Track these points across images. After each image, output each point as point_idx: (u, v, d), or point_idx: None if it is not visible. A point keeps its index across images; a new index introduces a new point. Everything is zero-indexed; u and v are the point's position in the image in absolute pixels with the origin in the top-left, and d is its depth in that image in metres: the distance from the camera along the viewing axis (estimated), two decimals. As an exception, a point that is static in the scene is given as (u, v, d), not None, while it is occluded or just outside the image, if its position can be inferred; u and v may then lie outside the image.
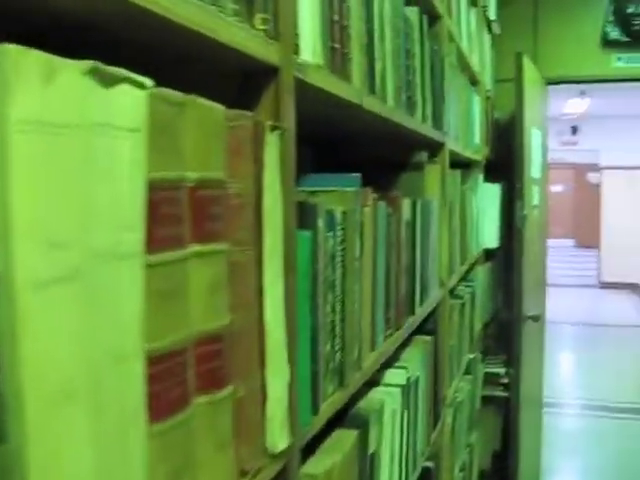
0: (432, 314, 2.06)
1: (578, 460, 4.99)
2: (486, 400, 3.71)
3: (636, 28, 4.40)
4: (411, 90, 1.65)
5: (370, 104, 1.23)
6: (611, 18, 4.47)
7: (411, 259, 1.65)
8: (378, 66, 1.35)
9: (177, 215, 0.61)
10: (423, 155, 1.82)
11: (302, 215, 0.90)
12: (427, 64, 1.86)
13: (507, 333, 3.83)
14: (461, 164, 3.09)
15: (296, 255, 0.85)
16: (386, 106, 1.40)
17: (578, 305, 11.40)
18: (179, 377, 0.61)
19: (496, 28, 4.27)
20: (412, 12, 1.75)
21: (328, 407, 1.04)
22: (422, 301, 1.80)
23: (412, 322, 1.67)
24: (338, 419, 1.19)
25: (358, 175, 1.17)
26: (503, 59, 4.39)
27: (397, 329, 1.51)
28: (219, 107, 0.68)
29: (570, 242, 20.15)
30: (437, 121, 2.00)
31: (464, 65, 2.90)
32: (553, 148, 12.59)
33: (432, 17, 2.12)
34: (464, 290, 2.84)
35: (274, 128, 0.79)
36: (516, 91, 3.52)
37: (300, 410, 0.90)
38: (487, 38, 4.02)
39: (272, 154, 0.78)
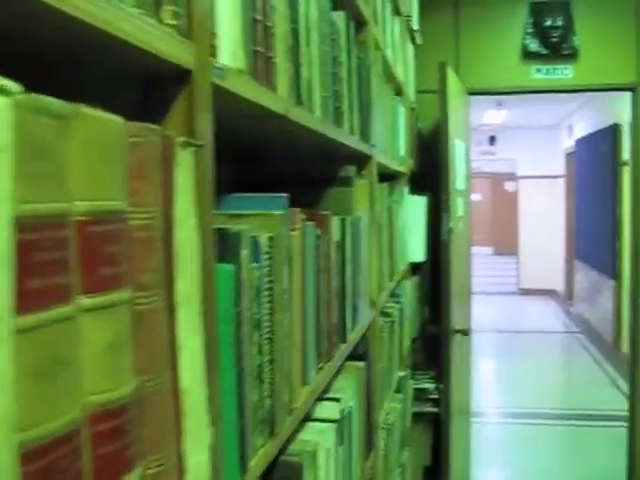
0: (364, 336, 1.95)
1: (506, 469, 4.98)
2: (416, 416, 3.63)
3: (554, 40, 4.43)
4: (339, 100, 1.53)
5: (296, 115, 1.11)
6: (530, 30, 4.49)
7: (342, 282, 1.53)
8: (304, 73, 1.23)
9: (60, 260, 0.46)
10: (351, 169, 1.70)
11: (222, 245, 0.76)
12: (354, 73, 1.76)
13: (435, 347, 3.77)
14: (387, 176, 3.01)
15: (216, 295, 0.71)
16: (313, 117, 1.28)
17: (498, 313, 11.55)
18: (67, 473, 0.47)
19: (419, 38, 4.22)
20: (339, 17, 1.64)
21: (258, 462, 0.90)
22: (354, 326, 1.69)
23: (344, 350, 1.55)
24: (268, 468, 1.06)
25: (285, 195, 1.04)
26: (426, 70, 4.34)
27: (329, 360, 1.39)
28: (116, 119, 0.54)
29: (489, 250, 20.55)
30: (365, 133, 1.89)
31: (389, 75, 2.82)
32: (472, 158, 12.82)
33: (359, 23, 2.02)
34: (393, 307, 2.74)
35: (187, 144, 0.65)
36: (440, 102, 3.47)
37: (226, 473, 0.77)
38: (410, 48, 3.97)
39: (185, 176, 0.64)
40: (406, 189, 3.33)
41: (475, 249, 17.83)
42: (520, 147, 12.68)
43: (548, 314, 11.26)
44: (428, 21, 4.50)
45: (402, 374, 3.05)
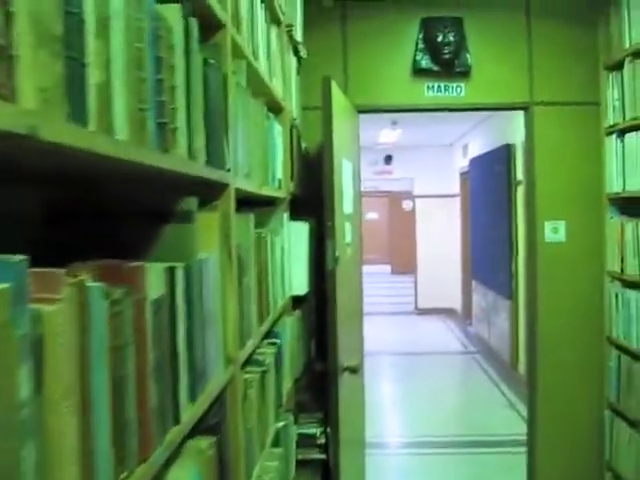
0: (217, 401, 1.60)
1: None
2: (302, 463, 3.30)
3: (446, 57, 4.23)
4: (166, 115, 1.19)
5: (61, 134, 0.76)
6: (422, 46, 4.28)
7: (170, 349, 1.18)
8: (91, 73, 0.88)
9: None
10: (191, 202, 1.36)
11: None
12: (197, 81, 1.42)
13: (323, 384, 3.46)
14: (261, 202, 2.68)
15: None
16: (111, 140, 0.93)
17: (396, 334, 11.41)
18: None
19: (303, 51, 3.93)
20: (171, 10, 1.30)
21: None
22: (194, 397, 1.34)
23: (176, 435, 1.20)
24: None
25: (21, 259, 0.68)
26: (311, 86, 4.05)
27: (144, 460, 1.03)
28: None
29: (387, 268, 20.55)
30: (216, 157, 1.55)
31: (262, 89, 2.50)
32: (368, 178, 12.77)
33: (210, 25, 1.69)
34: (267, 352, 2.40)
35: None
36: (324, 119, 3.17)
37: None
38: (293, 61, 3.66)
39: None
40: (286, 215, 3.01)
41: (373, 268, 17.92)
42: (416, 166, 12.65)
43: (446, 334, 11.19)
44: (314, 34, 4.22)
45: (281, 424, 2.71)
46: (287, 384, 2.96)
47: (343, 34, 4.38)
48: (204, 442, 1.41)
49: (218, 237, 1.56)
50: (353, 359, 3.40)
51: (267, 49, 2.62)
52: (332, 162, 3.08)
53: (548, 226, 4.35)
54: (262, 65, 2.48)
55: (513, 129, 7.63)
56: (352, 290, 3.63)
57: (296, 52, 3.74)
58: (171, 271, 1.18)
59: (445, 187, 12.35)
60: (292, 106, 3.49)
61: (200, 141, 1.41)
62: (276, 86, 2.86)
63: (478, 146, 9.87)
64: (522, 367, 7.60)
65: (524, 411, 6.68)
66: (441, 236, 12.54)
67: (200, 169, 1.38)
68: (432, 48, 4.23)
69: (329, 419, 3.23)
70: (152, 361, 1.07)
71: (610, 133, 4.13)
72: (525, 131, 4.46)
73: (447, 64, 4.24)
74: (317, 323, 3.66)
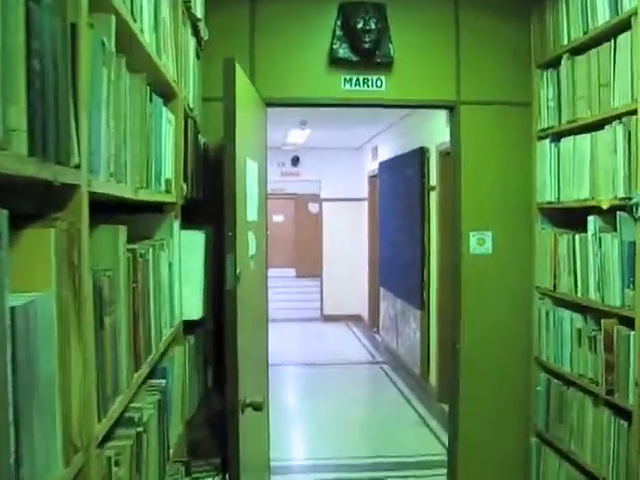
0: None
1: None
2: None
3: (366, 46, 3.76)
4: None
5: None
6: (339, 33, 3.80)
7: None
8: None
9: None
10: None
11: None
12: (12, 19, 0.88)
13: (221, 421, 2.92)
14: (146, 208, 2.14)
15: None
16: None
17: (301, 342, 10.94)
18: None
19: (205, 32, 3.40)
20: None
21: None
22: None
23: None
24: None
25: None
26: (214, 73, 3.48)
27: None
28: None
29: (291, 271, 20.08)
30: (52, 146, 1.01)
31: (144, 63, 1.95)
32: (275, 179, 12.28)
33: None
34: (145, 405, 1.86)
35: None
36: (225, 108, 2.64)
37: None
38: (191, 41, 3.12)
39: None
40: (176, 224, 2.47)
41: (277, 271, 17.38)
42: (324, 168, 12.23)
43: (353, 342, 10.79)
44: (218, 12, 3.68)
45: (167, 483, 2.18)
46: (176, 430, 2.42)
47: (251, 15, 3.86)
48: None
49: (56, 266, 1.02)
50: (257, 393, 2.89)
51: (154, 14, 2.07)
52: (234, 161, 2.56)
53: (473, 237, 3.96)
54: (146, 33, 1.94)
55: (427, 132, 7.30)
56: (256, 311, 3.12)
57: (195, 32, 3.20)
58: None
59: (353, 190, 11.99)
60: (189, 94, 2.96)
61: (15, 118, 0.87)
62: (167, 65, 2.32)
63: (389, 149, 9.52)
64: (433, 380, 7.29)
65: (437, 428, 6.37)
66: (348, 240, 12.17)
67: (12, 163, 0.84)
68: (351, 36, 3.75)
69: (228, 466, 2.71)
70: None
71: (543, 137, 3.76)
72: (450, 132, 4.05)
73: (367, 54, 3.78)
74: (215, 348, 3.12)
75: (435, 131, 6.85)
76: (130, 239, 1.63)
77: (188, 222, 2.80)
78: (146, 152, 1.83)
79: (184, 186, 2.58)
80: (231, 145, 2.55)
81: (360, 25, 3.73)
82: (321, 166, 12.27)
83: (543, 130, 3.76)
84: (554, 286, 3.63)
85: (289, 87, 3.91)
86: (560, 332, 3.57)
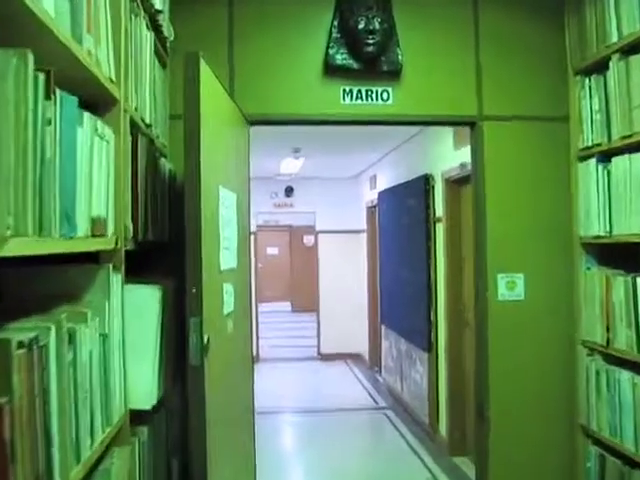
0: None
1: None
2: None
3: (369, 50, 3.10)
4: None
5: None
6: (337, 35, 3.15)
7: None
8: None
9: None
10: None
11: None
12: None
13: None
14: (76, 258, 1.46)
15: None
16: None
17: (297, 386, 10.20)
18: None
19: (169, 31, 2.74)
20: None
21: None
22: None
23: None
24: None
25: None
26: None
27: None
28: None
29: (287, 305, 19.41)
30: None
31: (46, 50, 1.28)
32: (269, 211, 11.68)
33: None
34: None
35: None
36: (186, 120, 1.96)
37: None
38: (147, 37, 2.45)
39: None
40: (117, 278, 1.77)
41: (272, 305, 16.81)
42: (319, 199, 11.63)
43: (354, 385, 10.05)
44: (189, 18, 3.04)
45: None
46: None
47: (230, 15, 3.21)
48: None
49: None
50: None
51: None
52: (198, 190, 1.87)
53: (502, 280, 3.27)
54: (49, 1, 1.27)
55: (432, 157, 6.66)
56: (237, 390, 2.41)
57: (155, 26, 2.54)
58: None
59: (350, 222, 11.41)
60: (143, 104, 2.28)
61: None
62: (98, 58, 1.64)
63: (389, 177, 8.88)
64: (443, 430, 6.58)
65: (451, 485, 5.68)
66: (345, 274, 11.54)
67: None
68: (351, 38, 3.10)
69: None
70: None
71: (587, 157, 3.10)
72: (471, 154, 3.39)
73: (370, 60, 3.13)
74: (184, 437, 2.41)
75: (440, 156, 6.24)
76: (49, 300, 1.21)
77: (145, 273, 2.11)
78: (33, 179, 1.14)
79: (129, 226, 1.89)
80: (193, 167, 1.86)
81: (361, 25, 3.08)
82: (316, 196, 11.68)
83: (587, 148, 3.11)
84: (607, 340, 2.94)
85: (277, 102, 3.26)
86: (618, 397, 2.87)
